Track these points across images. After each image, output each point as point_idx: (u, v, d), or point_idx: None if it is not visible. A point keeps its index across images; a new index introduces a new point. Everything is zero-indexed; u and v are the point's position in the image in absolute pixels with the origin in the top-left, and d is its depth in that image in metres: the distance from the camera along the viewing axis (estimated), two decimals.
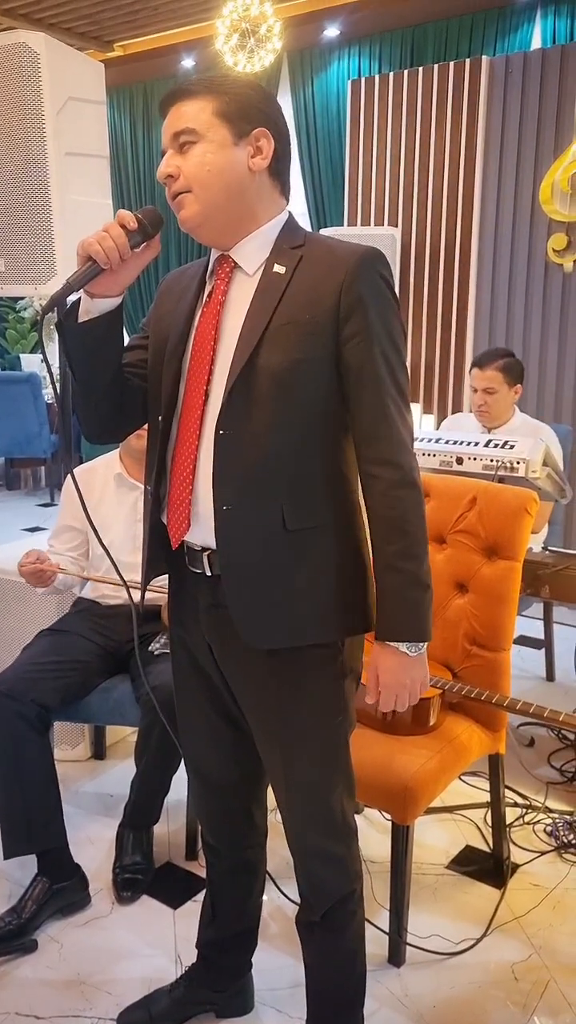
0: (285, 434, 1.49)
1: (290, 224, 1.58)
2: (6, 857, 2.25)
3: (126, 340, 1.68)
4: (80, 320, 1.54)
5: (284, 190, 1.59)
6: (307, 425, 1.50)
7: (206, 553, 1.58)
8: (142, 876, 2.42)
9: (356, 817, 2.69)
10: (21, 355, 8.45)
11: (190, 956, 2.04)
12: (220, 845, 1.90)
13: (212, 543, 1.55)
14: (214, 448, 1.50)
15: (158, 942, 2.22)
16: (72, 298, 1.55)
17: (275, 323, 1.47)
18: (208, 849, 1.93)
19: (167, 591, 1.77)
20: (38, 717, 2.32)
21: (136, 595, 2.01)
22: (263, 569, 1.52)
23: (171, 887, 2.42)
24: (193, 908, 2.31)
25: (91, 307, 1.53)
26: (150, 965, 2.14)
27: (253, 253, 1.54)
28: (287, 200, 1.60)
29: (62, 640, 2.56)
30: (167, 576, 1.74)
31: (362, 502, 1.58)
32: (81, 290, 1.51)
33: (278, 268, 1.51)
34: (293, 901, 2.18)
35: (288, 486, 1.50)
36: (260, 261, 1.54)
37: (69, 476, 2.76)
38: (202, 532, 1.56)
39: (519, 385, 3.45)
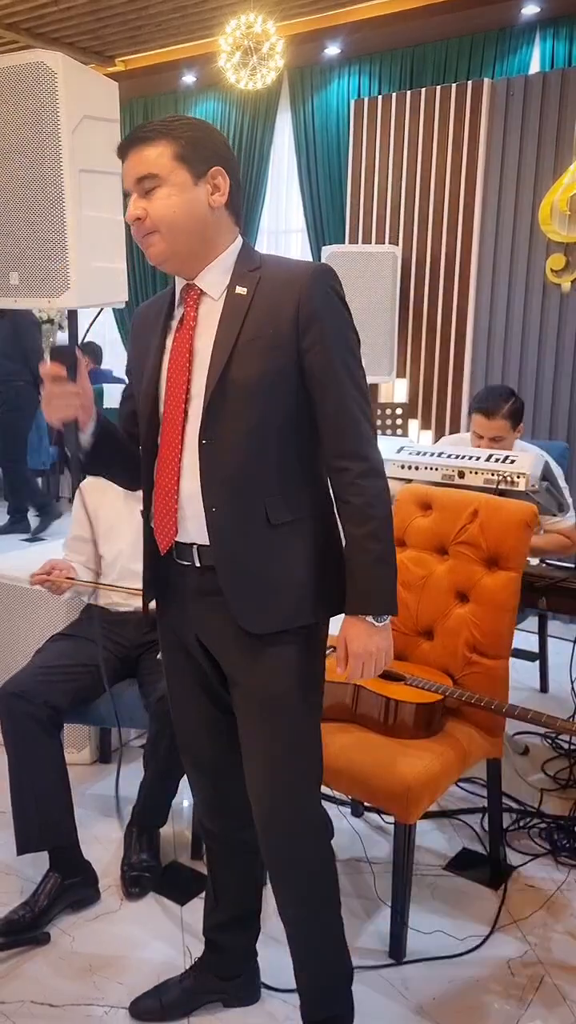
0: (261, 438, 1.65)
1: (245, 248, 1.73)
2: (19, 853, 2.31)
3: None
4: (89, 449, 1.80)
5: (238, 220, 1.74)
6: (279, 428, 1.66)
7: (195, 547, 1.72)
8: (149, 874, 2.48)
9: (356, 820, 2.80)
10: None
11: (198, 949, 2.12)
12: (217, 828, 1.99)
13: (200, 539, 1.70)
14: (199, 457, 1.66)
15: (167, 936, 2.29)
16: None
17: (243, 339, 1.63)
18: (206, 834, 2.03)
19: (142, 580, 1.88)
20: (49, 719, 2.39)
21: (137, 601, 2.13)
22: (252, 561, 1.68)
23: (178, 884, 2.49)
24: (199, 905, 2.36)
25: (85, 439, 1.79)
26: (159, 957, 2.21)
27: (216, 279, 1.69)
28: (240, 228, 1.76)
29: (73, 645, 2.62)
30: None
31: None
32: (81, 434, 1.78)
33: (240, 290, 1.67)
34: None
35: (268, 484, 1.67)
36: (223, 286, 1.69)
37: (79, 490, 2.87)
38: (190, 531, 1.71)
39: (521, 424, 3.33)
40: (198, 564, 1.72)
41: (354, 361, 1.67)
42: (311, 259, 7.49)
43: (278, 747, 1.74)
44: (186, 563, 1.75)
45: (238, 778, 1.85)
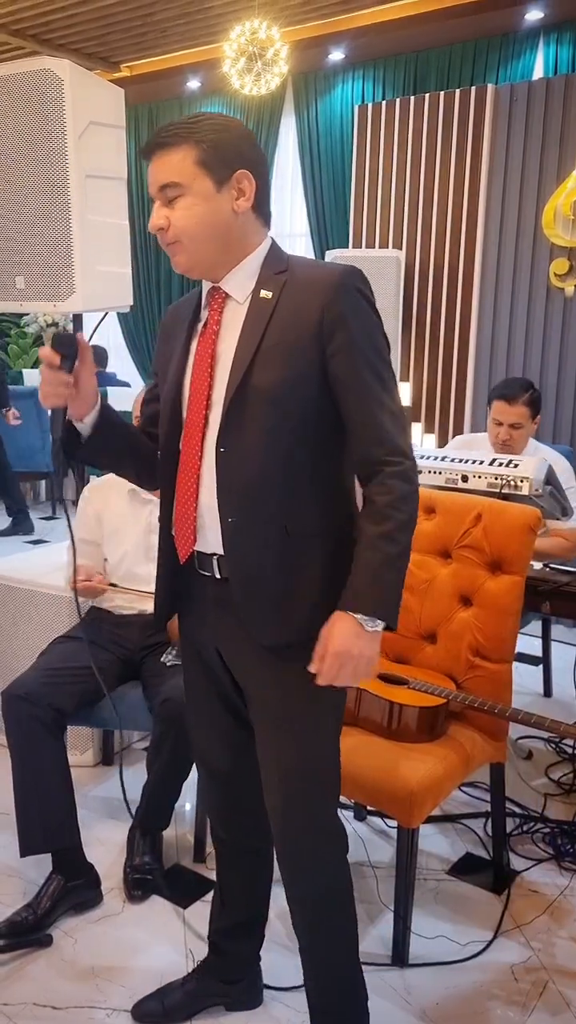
0: (280, 447, 1.59)
1: (273, 251, 1.68)
2: (22, 855, 2.32)
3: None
4: (84, 440, 1.74)
5: (266, 221, 1.69)
6: (300, 437, 1.60)
7: (215, 557, 1.68)
8: (152, 876, 2.48)
9: (359, 824, 2.79)
10: (24, 370, 8.54)
11: (201, 952, 2.12)
12: (228, 836, 1.99)
13: (220, 549, 1.65)
14: (216, 465, 1.62)
15: (169, 939, 2.29)
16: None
17: (265, 344, 1.58)
18: (217, 840, 2.02)
19: (155, 590, 1.84)
20: (54, 721, 2.39)
21: (148, 604, 2.08)
22: (269, 573, 1.62)
23: (180, 888, 2.49)
24: (201, 908, 2.38)
25: (83, 427, 1.73)
26: (162, 960, 2.21)
27: (242, 282, 1.64)
28: (268, 228, 1.70)
29: (77, 647, 2.62)
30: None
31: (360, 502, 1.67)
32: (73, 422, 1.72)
33: (264, 293, 1.62)
34: None
35: (287, 495, 1.61)
36: (248, 289, 1.64)
37: (83, 492, 2.87)
38: (209, 541, 1.67)
39: (539, 416, 3.40)
40: (218, 575, 1.68)
41: (383, 365, 1.61)
42: None
43: (293, 759, 1.71)
44: (206, 574, 1.71)
45: (252, 788, 1.84)
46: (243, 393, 1.58)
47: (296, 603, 1.64)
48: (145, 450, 1.83)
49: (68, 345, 1.65)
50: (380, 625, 1.58)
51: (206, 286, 1.70)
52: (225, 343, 1.64)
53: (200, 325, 1.70)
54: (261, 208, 1.66)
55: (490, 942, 2.31)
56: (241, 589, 1.64)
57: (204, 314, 1.69)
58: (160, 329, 1.85)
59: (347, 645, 1.55)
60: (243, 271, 1.65)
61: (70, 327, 4.13)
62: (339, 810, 2.80)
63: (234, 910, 2.03)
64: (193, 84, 8.10)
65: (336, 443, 1.65)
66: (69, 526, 1.94)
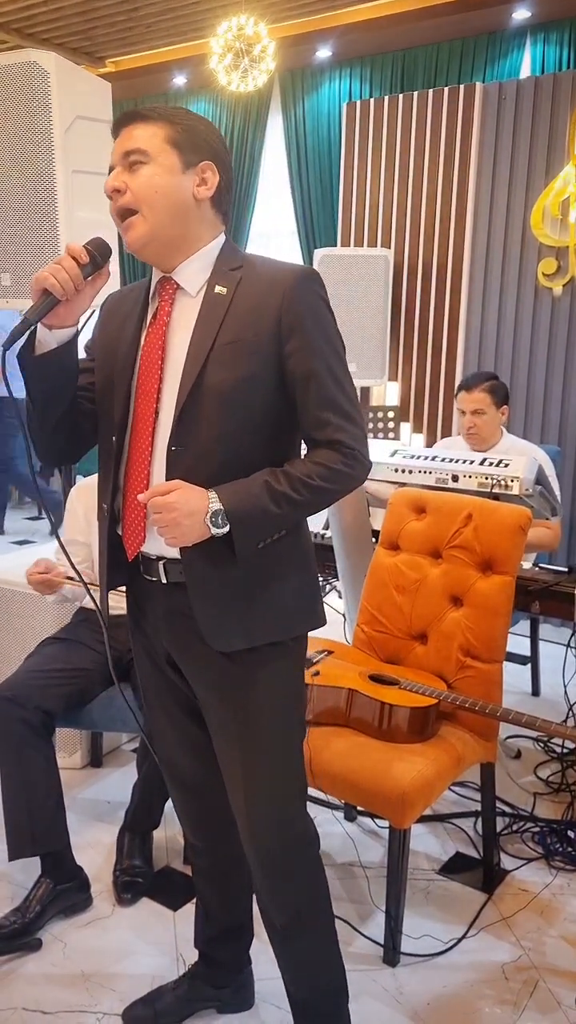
0: (234, 447, 1.57)
1: (228, 246, 1.66)
2: (11, 859, 2.30)
3: None
4: (38, 353, 1.58)
5: (224, 219, 1.68)
6: (254, 437, 1.59)
7: (161, 562, 1.65)
8: (142, 879, 2.47)
9: (349, 825, 2.79)
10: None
11: (191, 955, 2.11)
12: (202, 844, 1.96)
13: (166, 552, 1.63)
14: (167, 464, 1.58)
15: (159, 942, 2.28)
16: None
17: (220, 342, 1.56)
18: (191, 849, 2.00)
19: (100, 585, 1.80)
20: (42, 723, 2.37)
21: (123, 603, 2.06)
22: (221, 576, 1.59)
23: (170, 890, 2.48)
24: (192, 910, 2.35)
25: (48, 338, 1.58)
26: (152, 964, 2.20)
27: (195, 275, 1.62)
28: (225, 226, 1.69)
29: (65, 648, 2.61)
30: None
31: None
32: (38, 323, 1.55)
33: (219, 289, 1.59)
34: None
35: None
36: (201, 282, 1.62)
37: (71, 492, 2.85)
38: (157, 543, 1.61)
39: (505, 407, 3.52)
40: (164, 581, 1.66)
41: (339, 365, 1.60)
42: (302, 262, 7.48)
43: (254, 760, 1.69)
44: (153, 579, 1.68)
45: (221, 795, 1.82)
46: (197, 392, 1.55)
47: (250, 606, 1.62)
48: (79, 409, 1.71)
49: (102, 253, 1.58)
50: (222, 531, 1.52)
51: (155, 276, 1.66)
52: (177, 337, 1.60)
53: (149, 316, 1.65)
54: (221, 204, 1.65)
55: (479, 942, 2.30)
56: (197, 594, 1.60)
57: (153, 305, 1.65)
58: (103, 307, 1.79)
59: (183, 506, 1.50)
60: (197, 263, 1.62)
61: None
62: (331, 811, 2.82)
63: (218, 920, 2.01)
64: (179, 80, 8.05)
65: (291, 443, 1.66)
66: (50, 519, 1.87)
